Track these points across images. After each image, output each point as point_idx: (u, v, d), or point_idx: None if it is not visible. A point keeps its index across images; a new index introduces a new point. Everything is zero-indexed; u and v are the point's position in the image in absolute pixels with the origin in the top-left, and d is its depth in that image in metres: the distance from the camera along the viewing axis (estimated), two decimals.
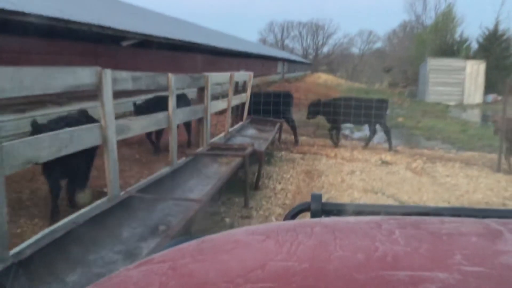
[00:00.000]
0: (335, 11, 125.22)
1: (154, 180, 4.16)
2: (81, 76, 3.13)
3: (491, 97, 28.01)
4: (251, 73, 8.98)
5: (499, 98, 28.32)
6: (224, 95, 7.55)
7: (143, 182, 4.08)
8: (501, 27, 32.37)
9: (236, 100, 7.94)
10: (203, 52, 16.22)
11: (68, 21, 7.56)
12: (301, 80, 40.82)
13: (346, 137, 12.18)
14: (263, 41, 72.00)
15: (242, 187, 5.66)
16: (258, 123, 8.97)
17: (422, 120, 17.27)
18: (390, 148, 9.69)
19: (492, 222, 0.75)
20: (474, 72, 26.96)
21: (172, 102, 4.75)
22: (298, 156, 8.57)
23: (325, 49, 74.76)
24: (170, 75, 4.68)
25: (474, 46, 33.99)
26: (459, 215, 0.91)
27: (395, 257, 0.59)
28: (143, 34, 10.49)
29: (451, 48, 34.35)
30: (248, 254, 0.64)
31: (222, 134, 7.25)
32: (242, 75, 8.56)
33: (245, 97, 8.71)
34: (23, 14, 6.47)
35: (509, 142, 8.13)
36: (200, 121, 6.06)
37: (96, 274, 2.61)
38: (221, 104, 7.03)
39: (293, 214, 1.06)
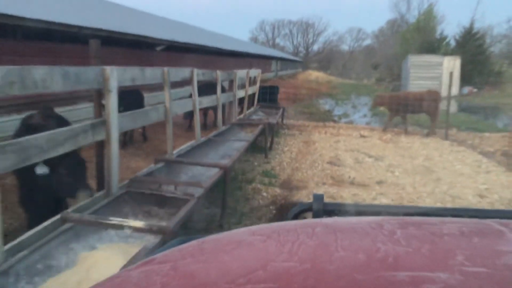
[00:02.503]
0: (324, 9, 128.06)
1: (214, 135, 6.86)
2: (185, 72, 5.81)
3: (466, 89, 30.94)
4: (260, 71, 11.70)
5: (474, 90, 31.35)
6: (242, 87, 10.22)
7: (210, 135, 6.78)
8: (476, 26, 35.49)
9: (250, 90, 10.63)
10: (208, 53, 18.82)
11: (125, 34, 10.19)
12: (294, 78, 43.65)
13: (334, 121, 14.93)
14: (255, 39, 74.46)
15: (261, 148, 8.38)
16: (265, 108, 11.67)
17: None
18: (282, 123, 12.52)
19: (493, 223, 0.75)
20: (451, 67, 29.74)
21: (219, 89, 7.42)
22: (297, 132, 11.31)
23: (316, 47, 77.54)
24: (218, 71, 7.36)
25: (453, 43, 36.98)
26: (460, 216, 0.93)
27: (397, 257, 0.59)
28: (169, 40, 13.12)
29: (432, 45, 37.17)
30: (250, 254, 0.65)
31: (242, 115, 9.93)
32: (254, 72, 11.25)
33: (255, 88, 11.41)
34: (100, 30, 9.08)
35: (392, 114, 12.02)
36: (231, 103, 8.74)
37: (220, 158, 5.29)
38: (241, 93, 9.70)
39: (295, 214, 1.10)
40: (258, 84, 11.67)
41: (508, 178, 7.13)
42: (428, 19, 40.85)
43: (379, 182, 6.70)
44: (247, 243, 0.69)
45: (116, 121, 3.54)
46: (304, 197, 5.88)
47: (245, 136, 7.82)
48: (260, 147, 8.55)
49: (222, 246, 0.70)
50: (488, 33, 49.35)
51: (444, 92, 28.74)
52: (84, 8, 12.38)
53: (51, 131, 2.86)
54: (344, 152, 8.87)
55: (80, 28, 8.23)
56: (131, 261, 2.46)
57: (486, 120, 17.83)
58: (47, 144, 2.77)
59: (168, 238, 2.88)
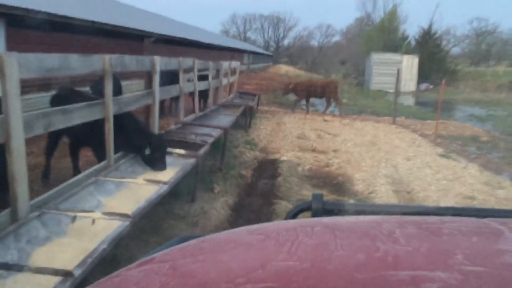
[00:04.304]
0: (295, 4, 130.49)
1: (208, 111, 8.76)
2: (190, 61, 7.65)
3: (423, 85, 33.76)
4: (239, 63, 13.62)
5: (430, 86, 34.20)
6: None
7: (206, 110, 8.66)
8: (435, 27, 38.47)
9: (231, 79, 12.53)
10: (188, 45, 20.52)
11: (121, 27, 11.87)
12: (265, 71, 45.67)
13: (302, 109, 17.02)
14: (226, 32, 75.66)
15: (242, 126, 10.31)
16: (243, 95, 13.60)
17: (361, 100, 22.45)
18: (257, 107, 14.39)
19: (492, 222, 0.76)
20: (409, 64, 32.49)
21: (210, 75, 9.29)
22: (270, 116, 13.31)
23: (286, 42, 79.47)
24: (210, 62, 9.23)
25: (413, 43, 39.85)
26: (459, 215, 0.93)
27: (396, 256, 0.59)
28: (159, 34, 14.84)
29: (394, 44, 39.85)
30: (249, 254, 0.65)
31: (225, 99, 11.82)
32: (235, 64, 13.16)
33: (235, 78, 13.31)
34: (106, 24, 10.75)
35: (299, 99, 14.83)
36: (217, 89, 10.61)
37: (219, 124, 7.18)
38: (224, 80, 11.58)
39: (294, 214, 1.09)
40: (237, 74, 13.58)
41: (432, 150, 9.33)
42: (392, 19, 43.48)
43: (335, 150, 8.76)
44: (246, 242, 0.70)
45: (158, 92, 5.41)
46: (277, 157, 7.87)
47: (231, 114, 9.74)
48: (241, 125, 10.47)
49: (221, 245, 0.70)
50: (452, 33, 52.78)
51: (402, 88, 31.52)
52: (86, 4, 13.95)
53: (130, 94, 4.73)
54: (309, 131, 10.93)
55: (93, 22, 9.93)
56: (182, 168, 4.37)
57: (435, 112, 20.27)
58: (128, 101, 4.63)
59: (199, 160, 4.79)
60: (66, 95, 5.06)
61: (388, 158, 8.20)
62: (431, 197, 5.82)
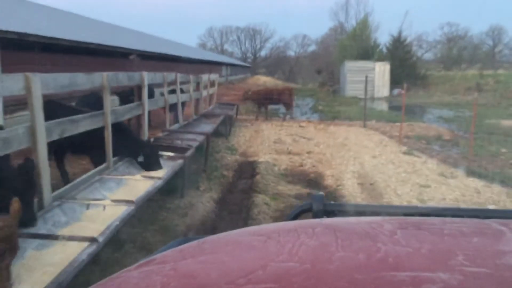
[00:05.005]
0: (271, 16, 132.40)
1: (194, 118, 9.48)
2: (173, 75, 8.39)
3: (396, 91, 35.07)
4: (217, 75, 14.43)
5: (403, 91, 35.53)
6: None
7: (189, 119, 9.38)
8: (405, 34, 40.06)
9: (211, 90, 13.30)
10: (168, 60, 21.26)
11: (106, 45, 12.54)
12: (243, 82, 46.61)
13: (279, 116, 17.90)
14: (203, 45, 76.38)
15: (222, 134, 11.06)
16: (223, 105, 14.37)
17: (336, 107, 23.46)
18: (237, 116, 15.36)
19: (493, 223, 0.76)
20: (381, 71, 33.80)
21: (191, 88, 10.03)
22: (248, 124, 14.09)
23: (263, 53, 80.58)
24: (191, 76, 9.98)
25: (385, 50, 41.32)
26: (460, 216, 0.93)
27: (397, 257, 0.60)
28: (141, 50, 15.54)
29: (367, 52, 41.19)
30: (249, 255, 0.66)
31: (205, 110, 12.56)
32: (214, 76, 13.94)
33: (214, 89, 14.08)
34: (91, 43, 11.42)
35: (258, 106, 15.64)
36: (197, 100, 11.35)
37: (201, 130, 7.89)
38: (204, 92, 12.33)
39: (295, 215, 1.09)
40: (216, 86, 14.35)
41: (397, 148, 10.22)
42: (363, 28, 44.94)
43: (308, 152, 9.56)
44: (246, 243, 0.70)
45: (147, 104, 6.12)
46: (255, 159, 8.63)
47: (212, 122, 10.49)
48: (222, 133, 11.22)
49: (222, 246, 0.70)
50: (424, 39, 54.61)
51: (376, 94, 32.71)
52: (73, 25, 14.59)
53: (124, 105, 5.44)
54: (285, 136, 11.74)
55: (79, 42, 10.60)
56: (172, 167, 5.10)
57: (406, 115, 21.34)
58: (122, 112, 5.34)
59: (186, 161, 5.51)
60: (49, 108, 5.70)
61: (356, 157, 9.04)
62: (390, 186, 6.65)
